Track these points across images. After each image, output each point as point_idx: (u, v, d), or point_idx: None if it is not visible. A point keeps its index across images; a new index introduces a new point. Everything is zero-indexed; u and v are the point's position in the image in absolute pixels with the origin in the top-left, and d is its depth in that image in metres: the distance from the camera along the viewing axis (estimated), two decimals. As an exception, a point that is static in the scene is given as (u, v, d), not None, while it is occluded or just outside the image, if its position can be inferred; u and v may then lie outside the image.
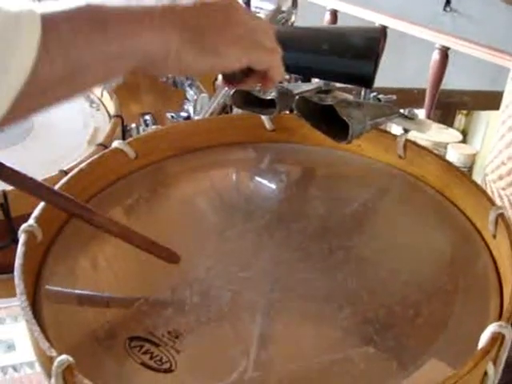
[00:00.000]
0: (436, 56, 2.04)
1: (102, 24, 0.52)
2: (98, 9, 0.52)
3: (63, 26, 0.49)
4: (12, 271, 0.66)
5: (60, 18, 0.49)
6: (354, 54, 0.76)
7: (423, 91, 2.19)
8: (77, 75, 0.51)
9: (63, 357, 0.54)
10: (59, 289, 0.70)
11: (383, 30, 0.81)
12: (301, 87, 0.84)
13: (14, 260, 0.67)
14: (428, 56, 2.09)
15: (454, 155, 1.85)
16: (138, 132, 1.28)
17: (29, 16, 0.46)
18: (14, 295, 0.64)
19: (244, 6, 0.62)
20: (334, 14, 2.32)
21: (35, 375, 1.70)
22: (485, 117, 3.87)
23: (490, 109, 3.20)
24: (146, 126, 1.30)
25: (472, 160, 1.88)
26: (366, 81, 0.77)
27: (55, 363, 0.54)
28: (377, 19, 2.10)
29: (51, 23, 0.48)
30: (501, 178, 1.43)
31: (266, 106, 0.83)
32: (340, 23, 2.30)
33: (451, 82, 2.25)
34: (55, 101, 0.53)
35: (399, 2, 2.99)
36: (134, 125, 1.29)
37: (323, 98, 0.77)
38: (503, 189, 1.43)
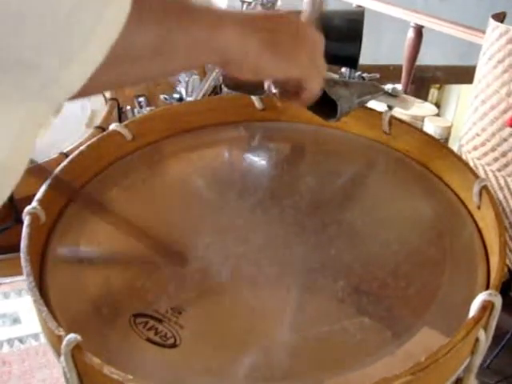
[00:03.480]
0: (411, 34, 2.02)
1: (190, 11, 0.51)
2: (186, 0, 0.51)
3: (154, 1, 0.47)
4: (16, 250, 0.65)
5: None
6: (339, 36, 0.74)
7: (398, 67, 2.17)
8: (163, 52, 0.49)
9: (71, 336, 0.53)
10: (63, 267, 0.69)
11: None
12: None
13: (17, 240, 0.66)
14: (401, 34, 2.08)
15: (431, 128, 1.85)
16: (133, 114, 1.26)
17: None
18: (19, 273, 0.63)
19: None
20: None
21: (40, 346, 1.69)
22: (456, 90, 3.86)
23: (462, 82, 3.19)
24: (140, 107, 1.28)
25: (448, 132, 1.88)
26: (352, 61, 0.76)
27: (64, 342, 0.53)
28: (355, 0, 2.07)
29: None
30: (475, 148, 1.43)
31: (256, 86, 0.81)
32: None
33: (424, 58, 2.23)
34: (141, 74, 0.51)
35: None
36: (128, 107, 1.27)
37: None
38: (478, 159, 1.43)
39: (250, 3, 0.89)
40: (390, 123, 0.85)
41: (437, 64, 3.17)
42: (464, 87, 3.46)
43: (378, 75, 0.85)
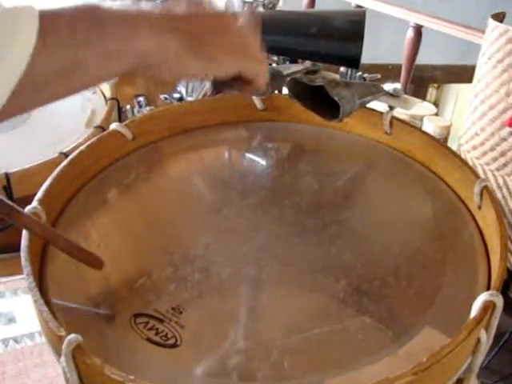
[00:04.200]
0: (410, 34, 2.02)
1: (101, 23, 0.49)
2: (97, 8, 0.50)
3: (61, 22, 0.47)
4: (13, 250, 0.65)
5: (58, 15, 0.47)
6: (341, 36, 0.74)
7: (397, 66, 2.17)
8: (74, 72, 0.48)
9: (72, 336, 0.53)
10: (63, 267, 0.68)
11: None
12: (290, 68, 0.82)
13: (16, 240, 0.66)
14: (400, 33, 2.07)
15: (430, 127, 1.84)
16: (133, 113, 1.25)
17: (27, 10, 0.43)
18: (16, 273, 0.62)
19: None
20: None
21: (35, 346, 1.69)
22: (454, 89, 3.87)
23: (460, 82, 3.20)
24: (140, 107, 1.28)
25: (447, 131, 1.87)
26: (353, 61, 0.76)
27: (65, 342, 0.52)
28: (354, 0, 2.07)
29: (49, 19, 0.45)
30: (474, 148, 1.43)
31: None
32: (318, 5, 2.26)
33: (423, 57, 2.23)
34: (53, 97, 0.50)
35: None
36: (128, 106, 1.27)
37: (313, 79, 0.75)
38: (477, 158, 1.43)
39: (251, 3, 0.88)
40: (390, 123, 0.85)
41: (435, 63, 3.17)
42: (463, 87, 3.46)
43: (378, 75, 0.84)
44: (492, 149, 1.40)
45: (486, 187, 0.70)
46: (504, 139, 1.36)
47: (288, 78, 0.78)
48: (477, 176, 0.73)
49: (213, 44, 0.57)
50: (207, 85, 1.04)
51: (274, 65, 0.87)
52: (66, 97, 0.51)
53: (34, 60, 0.43)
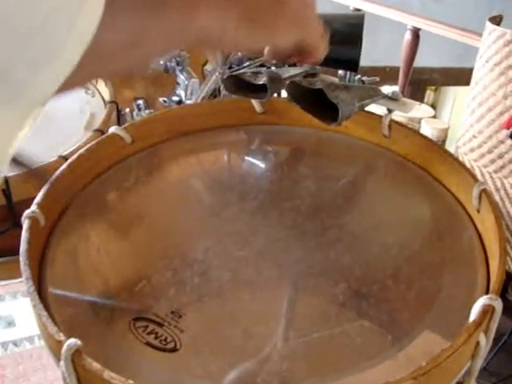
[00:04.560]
0: (408, 36, 2.02)
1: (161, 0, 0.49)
2: None
3: None
4: (13, 254, 0.65)
5: None
6: (339, 39, 0.74)
7: (394, 69, 2.17)
8: (138, 44, 0.47)
9: (71, 341, 0.52)
10: (62, 271, 0.68)
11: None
12: (289, 71, 0.82)
13: (15, 243, 0.66)
14: (398, 36, 2.07)
15: (428, 130, 1.84)
16: (132, 117, 1.25)
17: None
18: (14, 277, 0.62)
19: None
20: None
21: (35, 349, 1.68)
22: (452, 92, 3.87)
23: (458, 84, 3.20)
24: (139, 110, 1.28)
25: (445, 134, 1.88)
26: (352, 64, 0.75)
27: (64, 347, 0.52)
28: (352, 3, 2.07)
29: None
30: (472, 150, 1.43)
31: (257, 90, 0.81)
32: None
33: (421, 60, 2.23)
34: (117, 68, 0.49)
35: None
36: (127, 109, 1.27)
37: (312, 82, 0.75)
38: (475, 160, 1.43)
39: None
40: (389, 127, 0.84)
41: (433, 66, 3.17)
42: (460, 89, 3.46)
43: (377, 78, 0.84)
44: (490, 151, 1.40)
45: (484, 190, 0.70)
46: (501, 141, 1.36)
47: (287, 81, 0.78)
48: (475, 179, 0.73)
49: (273, 13, 0.57)
50: (206, 88, 1.04)
51: (273, 68, 0.87)
52: (128, 69, 0.50)
53: (102, 29, 0.41)
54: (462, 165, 0.77)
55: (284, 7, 0.57)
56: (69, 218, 0.76)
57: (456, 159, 0.78)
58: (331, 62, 0.76)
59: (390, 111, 0.83)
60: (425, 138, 0.83)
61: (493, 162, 1.41)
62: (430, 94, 4.01)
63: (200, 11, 0.51)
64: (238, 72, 0.80)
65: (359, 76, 0.83)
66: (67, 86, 0.42)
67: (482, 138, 1.41)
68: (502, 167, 1.39)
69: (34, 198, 0.72)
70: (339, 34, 0.74)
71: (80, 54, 0.40)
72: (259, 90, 0.80)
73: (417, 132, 0.84)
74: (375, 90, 0.79)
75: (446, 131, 1.84)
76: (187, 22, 0.51)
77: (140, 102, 1.29)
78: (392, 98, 0.81)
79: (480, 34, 1.45)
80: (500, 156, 1.39)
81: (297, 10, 0.59)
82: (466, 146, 1.46)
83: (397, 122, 0.85)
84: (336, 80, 0.87)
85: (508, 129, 1.33)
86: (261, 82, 0.78)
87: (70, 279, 0.67)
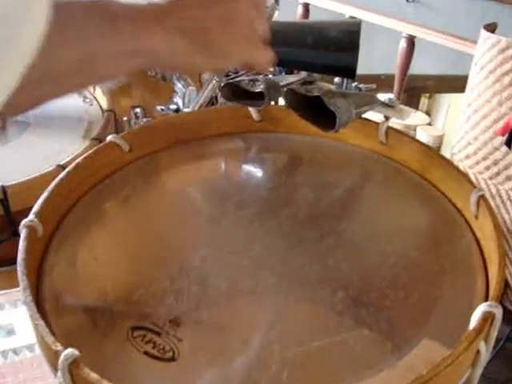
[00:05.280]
0: (403, 44, 2.02)
1: (112, 20, 0.48)
2: (107, 4, 0.49)
3: (76, 10, 0.45)
4: (12, 263, 0.64)
5: (73, 4, 0.46)
6: (337, 47, 0.73)
7: (390, 76, 2.17)
8: (86, 68, 0.47)
9: (69, 351, 0.52)
10: (60, 280, 0.67)
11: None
12: (287, 79, 0.81)
13: (14, 253, 0.65)
14: (393, 43, 2.07)
15: (424, 137, 1.84)
16: (130, 125, 1.25)
17: None
18: (15, 286, 0.61)
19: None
20: (306, 7, 2.29)
21: (35, 358, 1.67)
22: (446, 99, 3.87)
23: (452, 92, 3.19)
24: (137, 118, 1.27)
25: (440, 141, 1.87)
26: (350, 72, 0.74)
27: (61, 357, 0.52)
28: (347, 11, 2.07)
29: (64, 7, 0.44)
30: (468, 157, 1.43)
31: (254, 98, 0.80)
32: (312, 16, 2.26)
33: (415, 67, 2.22)
34: (63, 90, 0.49)
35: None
36: (125, 118, 1.26)
37: (310, 89, 0.75)
38: (470, 167, 1.42)
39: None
40: (386, 134, 0.84)
41: (428, 73, 3.17)
42: (455, 96, 3.46)
43: (374, 86, 0.84)
44: (485, 158, 1.40)
45: (482, 197, 0.69)
46: (497, 148, 1.36)
47: (285, 89, 0.77)
48: (473, 185, 0.72)
49: (221, 38, 0.57)
50: (203, 96, 1.03)
51: (270, 76, 0.87)
52: (77, 90, 0.50)
53: (50, 52, 0.41)
54: (459, 171, 0.76)
55: (233, 30, 0.58)
56: (67, 227, 0.75)
57: (453, 165, 0.78)
58: (328, 70, 0.76)
59: (386, 118, 0.83)
60: (422, 144, 0.82)
61: (488, 168, 1.40)
62: (424, 101, 4.01)
63: (149, 36, 0.51)
64: (235, 80, 0.80)
65: (356, 83, 0.83)
66: (14, 108, 0.42)
67: (477, 144, 1.40)
68: (497, 174, 1.39)
69: (32, 207, 0.71)
70: (336, 41, 0.73)
71: (18, 78, 0.39)
72: (256, 98, 0.80)
73: (414, 139, 0.83)
74: (372, 97, 0.79)
75: (441, 138, 1.84)
76: (136, 47, 0.50)
77: (138, 110, 1.28)
78: (389, 105, 0.81)
79: (475, 42, 1.45)
80: (495, 163, 1.38)
81: (245, 31, 0.59)
82: (462, 153, 1.45)
83: (394, 129, 0.84)
84: (333, 88, 0.86)
85: (503, 135, 1.33)
86: (258, 90, 0.77)
87: (68, 288, 0.67)
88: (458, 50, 1.83)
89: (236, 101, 0.81)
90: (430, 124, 1.90)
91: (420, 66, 2.61)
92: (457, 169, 0.77)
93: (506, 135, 1.29)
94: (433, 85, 3.25)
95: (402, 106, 0.82)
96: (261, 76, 0.80)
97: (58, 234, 0.74)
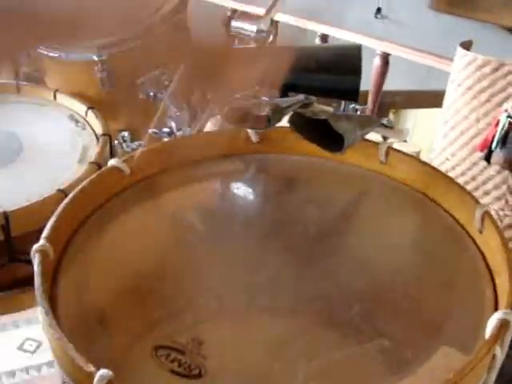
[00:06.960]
0: (377, 62, 2.07)
1: None
2: None
3: None
4: (7, 289, 0.64)
5: None
6: (339, 71, 0.77)
7: (363, 93, 2.21)
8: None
9: (104, 371, 0.53)
10: (74, 302, 0.70)
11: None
12: (286, 101, 0.85)
13: (10, 278, 0.66)
14: (366, 61, 2.12)
15: (401, 153, 1.89)
16: (122, 148, 1.26)
17: None
18: (12, 311, 0.62)
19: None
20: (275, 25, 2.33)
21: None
22: (412, 115, 3.95)
23: (420, 107, 3.27)
24: (124, 142, 1.29)
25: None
26: (352, 94, 0.79)
27: (96, 378, 0.53)
28: (320, 29, 2.11)
29: None
30: (446, 172, 1.47)
31: (256, 120, 0.83)
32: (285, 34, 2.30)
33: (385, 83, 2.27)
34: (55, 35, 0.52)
35: (337, 11, 3.01)
36: (116, 141, 1.28)
37: (316, 112, 0.79)
38: (449, 182, 1.47)
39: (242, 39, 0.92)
40: (386, 153, 0.88)
41: (396, 89, 3.23)
42: (420, 111, 3.54)
43: (367, 106, 0.88)
44: (463, 173, 1.44)
45: (486, 212, 0.74)
46: (475, 163, 1.41)
47: (287, 111, 0.81)
48: (476, 201, 0.76)
49: (221, 79, 0.63)
50: (202, 119, 1.06)
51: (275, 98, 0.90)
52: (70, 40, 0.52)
53: None
54: (461, 187, 0.81)
55: (229, 73, 0.65)
56: (74, 250, 0.77)
57: (455, 182, 0.82)
58: (331, 93, 0.80)
59: (385, 138, 0.87)
60: (422, 162, 0.87)
61: (467, 183, 1.44)
62: (390, 117, 4.08)
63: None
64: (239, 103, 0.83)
65: (353, 105, 0.87)
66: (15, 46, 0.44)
67: (454, 160, 1.45)
68: (476, 189, 1.44)
69: (33, 232, 0.72)
70: (338, 64, 0.77)
71: None
72: (258, 120, 0.83)
73: (414, 157, 0.87)
74: (372, 119, 0.84)
75: (418, 155, 1.89)
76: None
77: (125, 133, 1.30)
78: (387, 126, 0.85)
79: (451, 59, 1.50)
80: (473, 178, 1.43)
81: (241, 75, 0.67)
82: (440, 169, 1.50)
83: (393, 149, 0.88)
84: (329, 109, 0.90)
85: (482, 151, 1.38)
86: (263, 113, 0.81)
87: (82, 310, 0.69)
88: (429, 65, 1.88)
89: (239, 124, 0.84)
90: (405, 141, 1.95)
91: (388, 82, 2.67)
92: (458, 185, 0.82)
93: (485, 150, 1.35)
94: (401, 100, 3.32)
95: (398, 127, 0.87)
96: (263, 98, 0.84)
97: (65, 257, 0.75)
